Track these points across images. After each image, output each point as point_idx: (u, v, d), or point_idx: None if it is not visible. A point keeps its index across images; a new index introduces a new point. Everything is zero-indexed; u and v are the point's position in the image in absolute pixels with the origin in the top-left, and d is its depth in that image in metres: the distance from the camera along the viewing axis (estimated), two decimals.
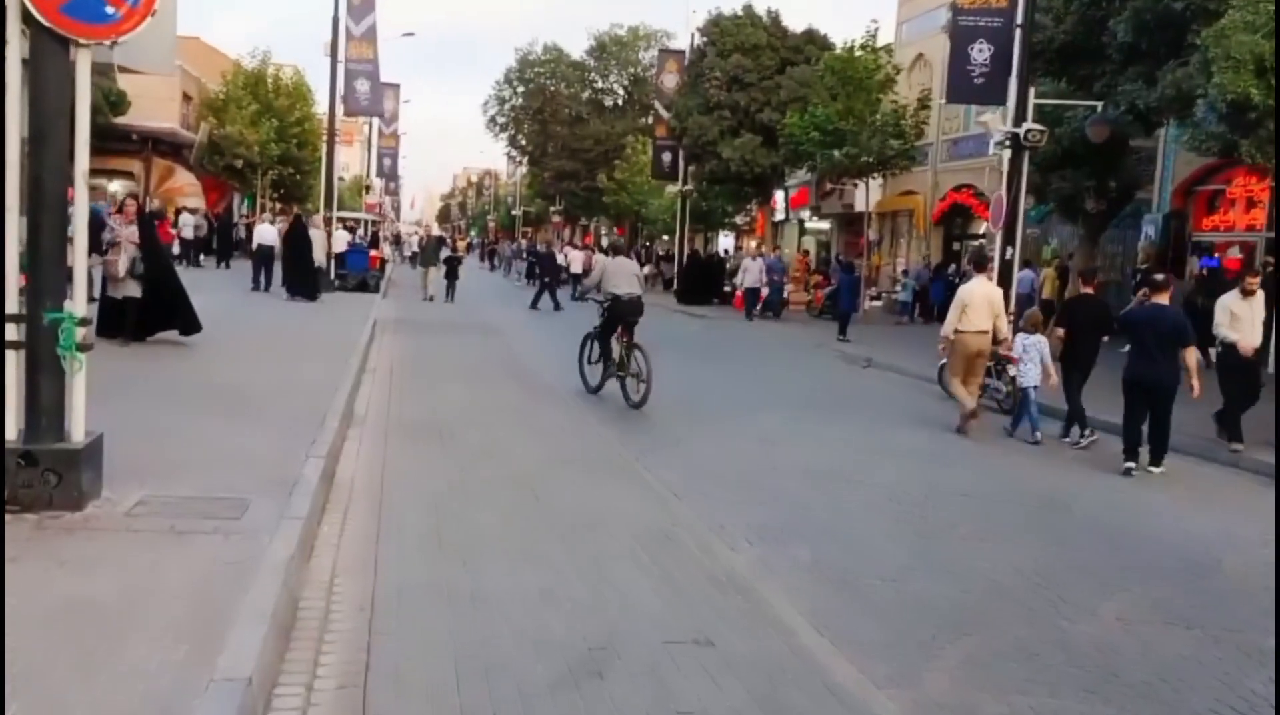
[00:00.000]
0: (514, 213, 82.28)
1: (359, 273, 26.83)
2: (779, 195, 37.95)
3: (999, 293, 11.83)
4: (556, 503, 6.90)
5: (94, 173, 23.31)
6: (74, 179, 5.49)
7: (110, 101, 32.92)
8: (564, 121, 57.40)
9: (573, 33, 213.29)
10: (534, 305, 25.50)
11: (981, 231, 29.18)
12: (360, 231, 36.80)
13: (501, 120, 60.64)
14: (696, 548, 6.04)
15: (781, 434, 10.13)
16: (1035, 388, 10.99)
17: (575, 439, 9.37)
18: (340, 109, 26.27)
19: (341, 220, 35.50)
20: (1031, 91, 16.17)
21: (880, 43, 28.61)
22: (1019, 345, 11.41)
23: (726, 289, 31.88)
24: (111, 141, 34.98)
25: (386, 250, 41.70)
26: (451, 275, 26.35)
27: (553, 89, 58.39)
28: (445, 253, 28.05)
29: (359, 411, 9.89)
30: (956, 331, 11.14)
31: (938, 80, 29.16)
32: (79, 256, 5.45)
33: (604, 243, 58.51)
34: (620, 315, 11.78)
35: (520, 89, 59.12)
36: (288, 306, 20.15)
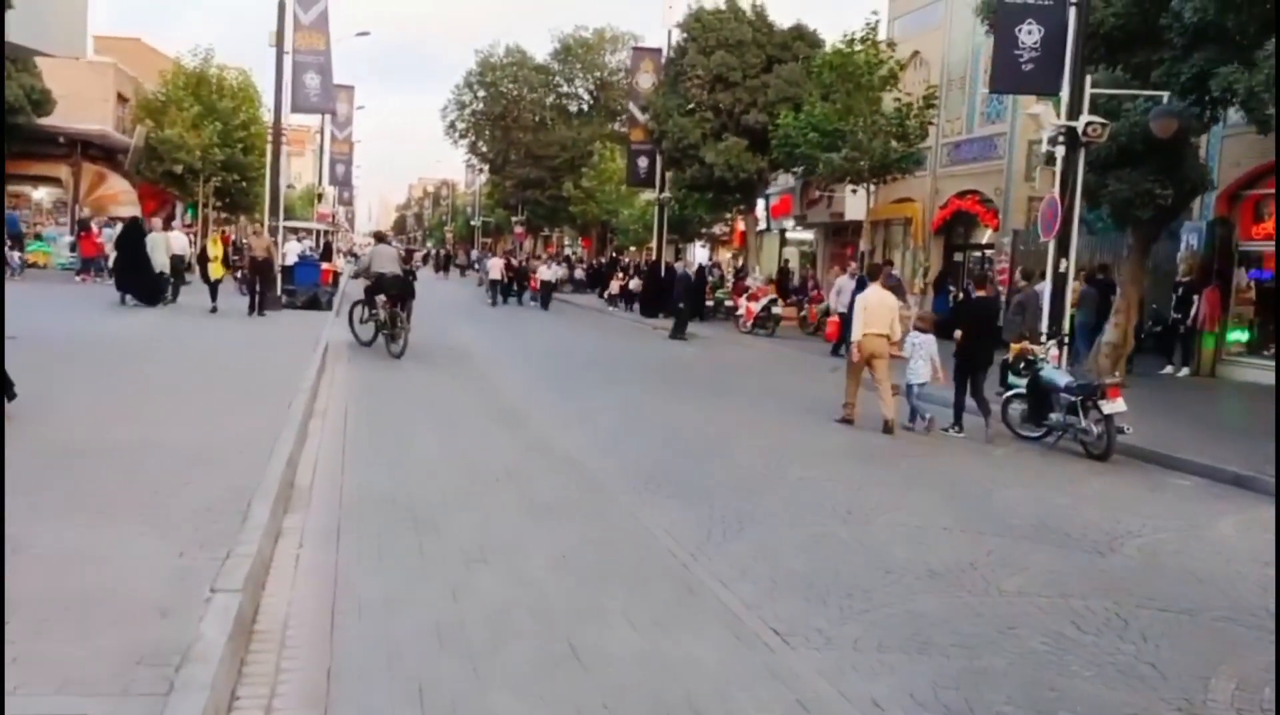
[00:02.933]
0: (473, 223, 79.48)
1: (309, 288, 24.16)
2: (759, 204, 35.72)
3: (894, 298, 12.65)
4: (608, 664, 4.40)
5: (16, 178, 20.60)
6: None
7: (32, 99, 29.87)
8: (527, 127, 54.96)
9: (535, 35, 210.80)
10: (679, 335, 23.17)
11: (985, 240, 27.16)
12: (311, 242, 34.06)
13: (461, 126, 58.04)
14: None
15: (867, 507, 7.71)
16: (924, 384, 11.88)
17: (598, 522, 6.87)
18: (287, 105, 23.50)
19: (292, 230, 32.77)
20: (1088, 80, 14.05)
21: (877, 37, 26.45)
22: (909, 343, 12.04)
23: (723, 304, 29.61)
24: (35, 144, 31.92)
25: (340, 263, 38.87)
26: (406, 293, 22.00)
27: (515, 93, 55.88)
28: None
29: (301, 483, 7.33)
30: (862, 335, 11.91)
31: (935, 79, 27.16)
32: None
33: (568, 253, 56.21)
34: (382, 287, 16.02)
35: (481, 93, 56.56)
36: (222, 327, 17.45)
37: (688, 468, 8.83)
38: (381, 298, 15.99)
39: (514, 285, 35.39)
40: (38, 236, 33.20)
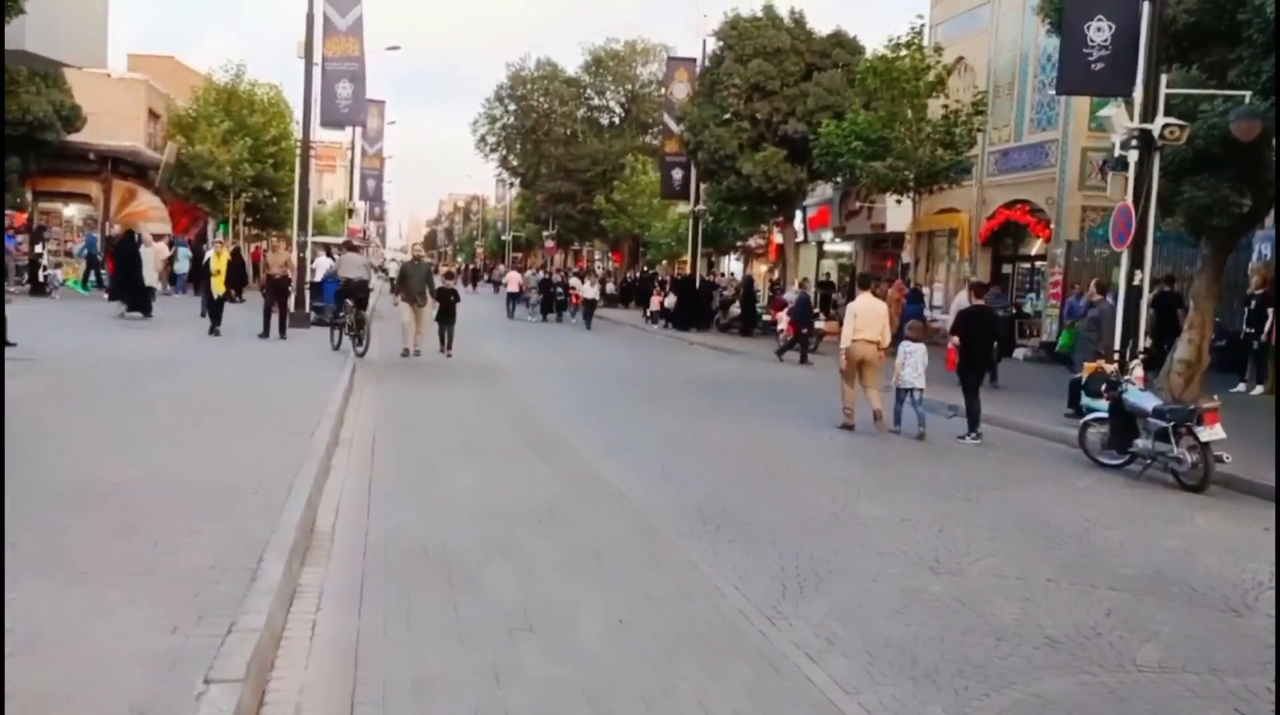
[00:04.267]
0: (504, 237, 79.11)
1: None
2: (797, 215, 34.80)
3: (884, 307, 13.15)
4: None
5: (47, 195, 20.33)
6: None
7: (62, 116, 29.60)
8: (558, 141, 54.35)
9: (566, 48, 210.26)
10: (802, 357, 21.56)
11: (1035, 251, 26.15)
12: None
13: (492, 140, 57.55)
14: None
15: (955, 554, 6.82)
16: (920, 390, 12.17)
17: (655, 575, 6.05)
18: (316, 117, 22.87)
19: (322, 246, 32.18)
20: (1163, 79, 13.14)
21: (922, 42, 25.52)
22: (901, 352, 12.42)
23: (767, 319, 28.66)
24: (65, 161, 31.64)
25: (372, 278, 38.32)
26: (447, 316, 18.92)
27: (546, 107, 55.32)
28: (437, 283, 21.44)
29: (322, 527, 6.56)
30: (852, 340, 12.32)
31: (981, 85, 26.19)
32: None
33: (598, 268, 55.51)
34: (349, 292, 17.20)
35: (512, 107, 56.05)
36: (244, 347, 16.80)
37: (745, 504, 7.99)
38: (348, 302, 17.21)
39: (552, 302, 34.42)
40: (68, 253, 32.94)
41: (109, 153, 33.45)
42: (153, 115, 38.23)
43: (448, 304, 19.02)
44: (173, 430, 8.85)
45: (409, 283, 18.38)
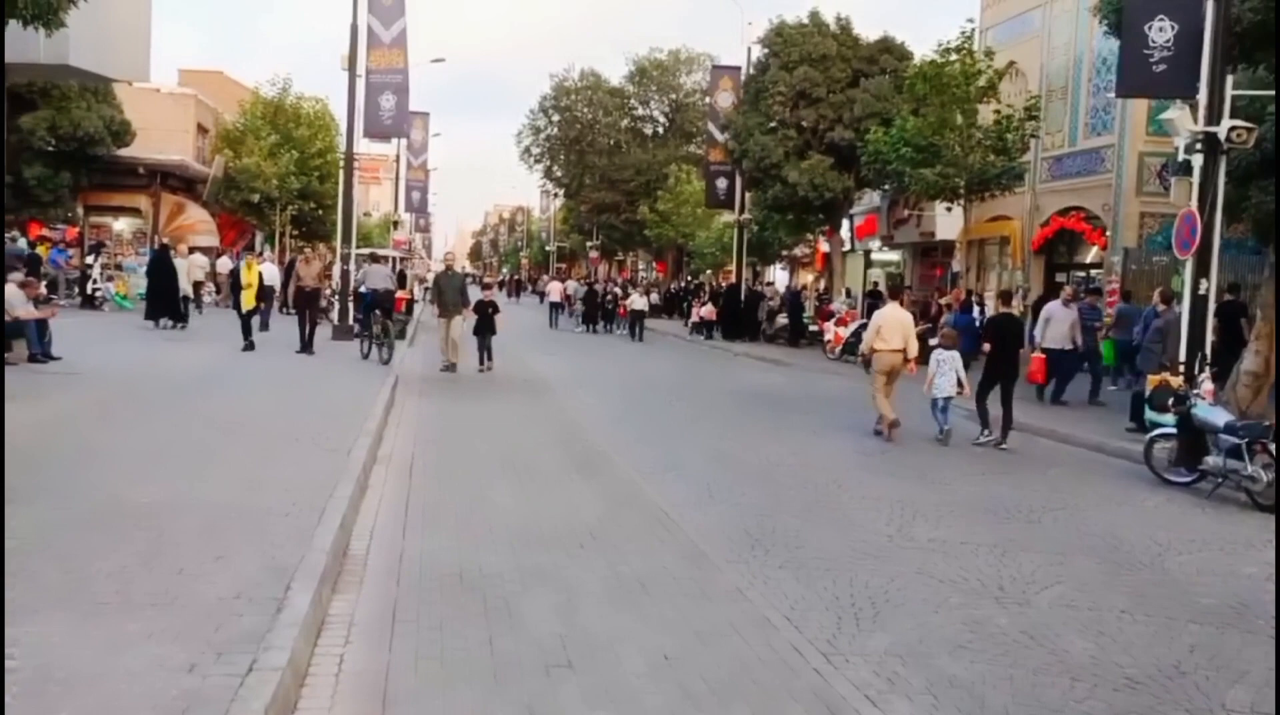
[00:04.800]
0: (548, 248, 79.26)
1: None
2: (844, 224, 34.28)
3: (909, 317, 13.15)
4: None
5: (98, 209, 20.65)
6: None
7: (112, 131, 29.99)
8: (602, 151, 54.25)
9: (610, 58, 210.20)
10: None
11: (1090, 259, 25.47)
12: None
13: (536, 151, 57.56)
14: None
15: (1021, 581, 6.43)
16: (950, 398, 12.29)
17: (702, 606, 5.73)
18: (360, 129, 22.83)
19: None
20: (1229, 80, 12.62)
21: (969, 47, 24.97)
22: (934, 360, 12.47)
23: (814, 329, 28.34)
24: (115, 175, 32.10)
25: (417, 290, 38.43)
26: (485, 330, 18.27)
27: (590, 117, 55.26)
28: (475, 295, 19.56)
29: (356, 552, 6.33)
30: (875, 350, 12.55)
31: (1034, 90, 25.59)
32: None
33: (640, 277, 55.35)
34: (376, 302, 17.76)
35: (556, 118, 56.03)
36: (287, 362, 16.73)
37: (796, 527, 7.64)
38: (376, 312, 17.67)
39: (597, 312, 33.98)
40: (118, 267, 33.33)
41: (158, 167, 33.87)
42: (201, 129, 38.71)
43: (486, 317, 18.30)
44: (208, 447, 8.68)
45: (443, 295, 17.81)
